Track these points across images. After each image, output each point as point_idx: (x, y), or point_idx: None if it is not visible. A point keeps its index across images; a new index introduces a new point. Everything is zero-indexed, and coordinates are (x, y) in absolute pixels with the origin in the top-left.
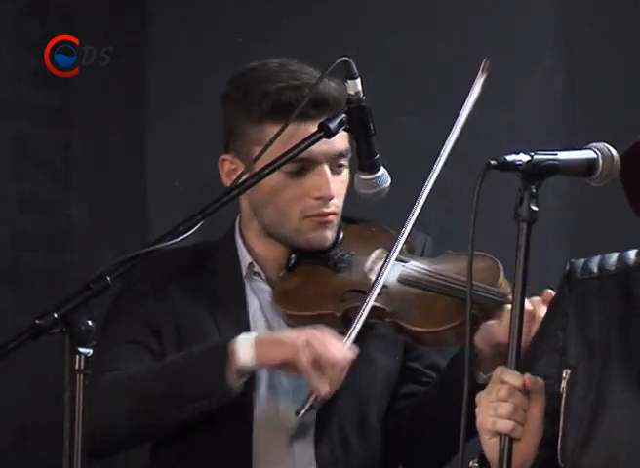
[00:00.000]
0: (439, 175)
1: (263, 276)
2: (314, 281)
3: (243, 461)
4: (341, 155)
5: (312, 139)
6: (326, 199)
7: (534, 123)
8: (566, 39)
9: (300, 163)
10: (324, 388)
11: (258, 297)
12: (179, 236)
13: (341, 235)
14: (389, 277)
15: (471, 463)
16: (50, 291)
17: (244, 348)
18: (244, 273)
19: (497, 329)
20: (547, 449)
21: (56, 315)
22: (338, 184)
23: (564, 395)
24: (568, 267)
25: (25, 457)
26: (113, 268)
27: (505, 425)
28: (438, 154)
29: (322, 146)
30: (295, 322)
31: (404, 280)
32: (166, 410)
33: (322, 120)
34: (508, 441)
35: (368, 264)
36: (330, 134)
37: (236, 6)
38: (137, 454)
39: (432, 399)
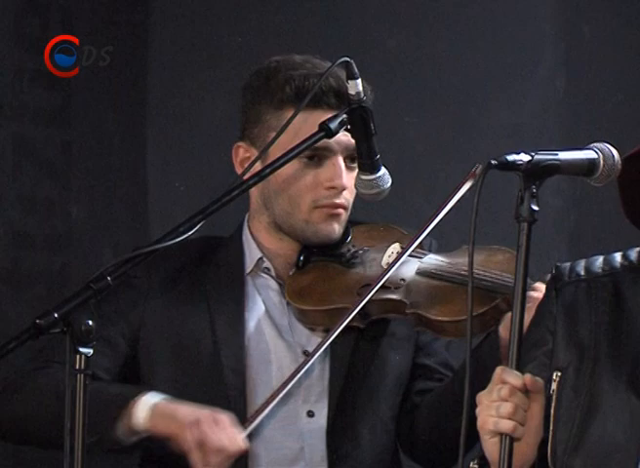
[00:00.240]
0: (439, 175)
1: (273, 272)
2: (328, 277)
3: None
4: (354, 152)
5: (313, 140)
6: (338, 190)
7: (534, 123)
8: (566, 39)
9: (316, 151)
10: None
11: (262, 295)
12: (179, 236)
13: (350, 235)
14: (407, 272)
15: (471, 464)
16: (50, 291)
17: (141, 410)
18: (248, 270)
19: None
20: (539, 452)
21: (56, 315)
22: (350, 180)
23: (554, 397)
24: (554, 271)
25: (25, 457)
26: (113, 268)
27: (507, 425)
28: (437, 155)
29: (341, 137)
30: (307, 317)
31: (423, 272)
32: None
33: (338, 111)
34: (509, 441)
35: (385, 258)
36: (330, 134)
37: (236, 6)
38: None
39: (450, 394)
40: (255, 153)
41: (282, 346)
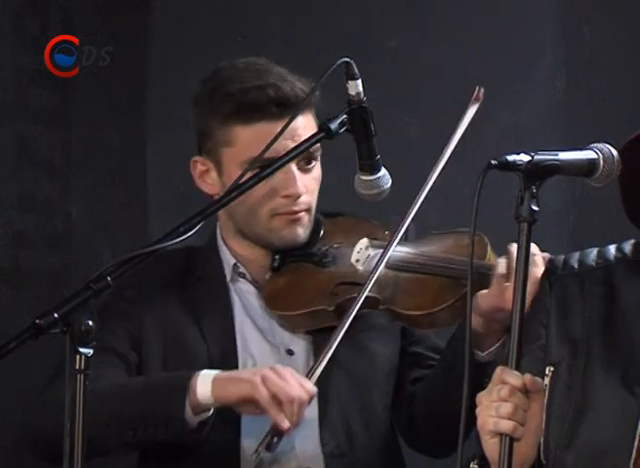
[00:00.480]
0: (439, 176)
1: (249, 277)
2: (302, 279)
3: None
4: (309, 153)
5: (313, 140)
6: (294, 197)
7: (534, 123)
8: (566, 39)
9: (266, 162)
10: (284, 424)
11: (242, 300)
12: (179, 237)
13: (322, 230)
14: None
15: (471, 464)
16: (50, 291)
17: (203, 384)
18: (228, 277)
19: (481, 297)
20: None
21: (56, 315)
22: (308, 181)
23: (547, 392)
24: (548, 264)
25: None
26: (113, 268)
27: (507, 425)
28: (438, 155)
29: (289, 144)
30: (289, 322)
31: (392, 265)
32: (121, 431)
33: (286, 120)
34: (509, 441)
35: (354, 255)
36: (331, 134)
37: (236, 6)
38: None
39: (438, 381)
40: (211, 166)
41: (266, 348)
